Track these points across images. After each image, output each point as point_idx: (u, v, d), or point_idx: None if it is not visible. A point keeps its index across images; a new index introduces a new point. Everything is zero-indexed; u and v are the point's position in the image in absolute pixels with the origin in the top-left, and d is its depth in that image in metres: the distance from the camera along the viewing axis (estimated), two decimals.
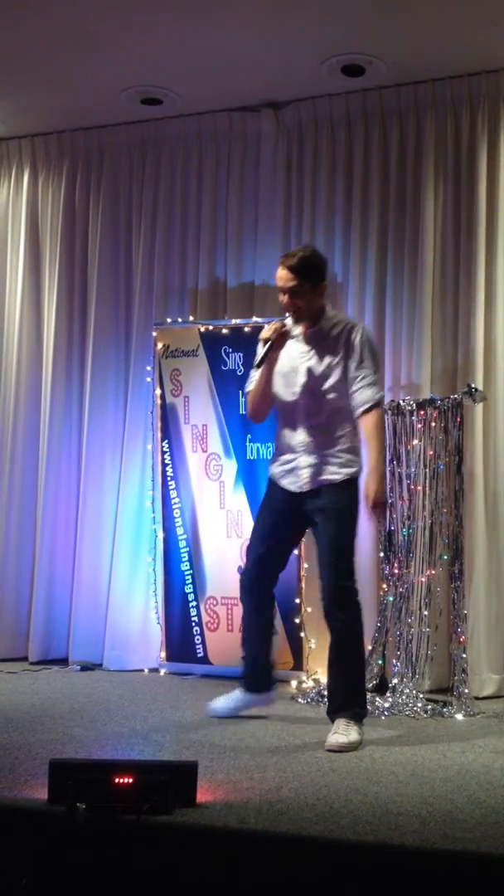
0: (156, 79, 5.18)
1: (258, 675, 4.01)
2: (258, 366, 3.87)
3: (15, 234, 5.95)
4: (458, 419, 4.60)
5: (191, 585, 5.14)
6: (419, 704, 4.33)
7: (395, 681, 4.49)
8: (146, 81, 5.21)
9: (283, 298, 3.83)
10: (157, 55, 4.90)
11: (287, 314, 3.86)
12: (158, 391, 5.26)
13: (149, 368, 5.38)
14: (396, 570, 4.59)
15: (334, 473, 3.81)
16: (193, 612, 5.11)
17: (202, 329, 5.21)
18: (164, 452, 5.23)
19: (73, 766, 2.81)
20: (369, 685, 4.51)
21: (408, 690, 4.43)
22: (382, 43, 4.75)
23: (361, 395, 3.79)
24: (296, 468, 3.87)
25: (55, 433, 5.65)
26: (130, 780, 2.67)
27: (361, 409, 3.80)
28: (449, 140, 5.07)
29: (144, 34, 4.71)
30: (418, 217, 5.08)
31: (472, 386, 4.59)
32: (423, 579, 4.56)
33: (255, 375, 3.95)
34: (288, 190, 5.41)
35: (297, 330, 3.91)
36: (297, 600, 4.89)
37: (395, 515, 4.64)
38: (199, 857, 2.57)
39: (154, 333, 5.33)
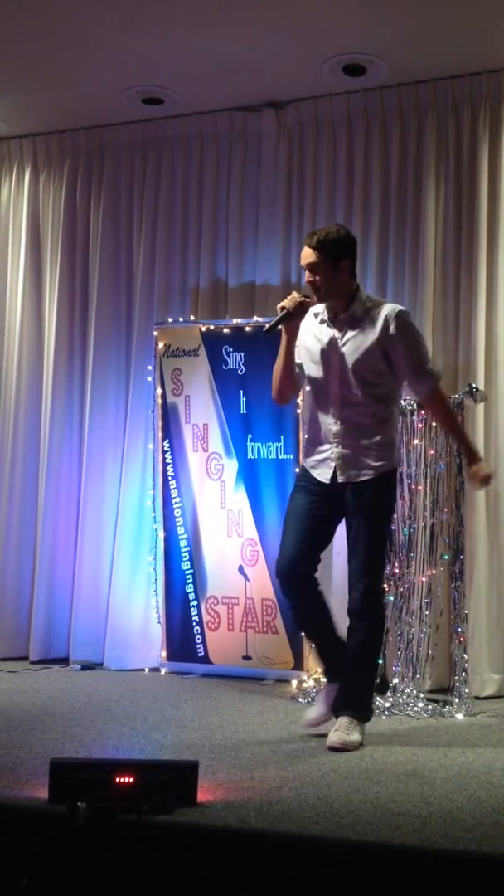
0: (157, 78, 5.18)
1: (339, 660, 3.78)
2: (267, 331, 3.74)
3: (16, 234, 5.95)
4: (459, 419, 4.58)
5: (191, 585, 5.14)
6: (420, 704, 4.33)
7: (395, 680, 4.49)
8: (147, 81, 5.21)
9: (307, 278, 3.72)
10: (158, 55, 4.90)
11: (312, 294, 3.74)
12: (159, 390, 5.26)
13: (150, 368, 5.38)
14: (397, 570, 4.59)
15: (368, 468, 3.66)
16: (194, 611, 5.11)
17: (203, 329, 5.21)
18: (164, 452, 5.23)
19: (74, 765, 2.81)
20: None
21: (408, 690, 4.43)
22: (384, 43, 4.75)
23: (425, 382, 3.70)
24: (327, 459, 3.71)
25: (56, 432, 5.65)
26: (131, 780, 2.67)
27: (425, 398, 3.75)
28: (450, 140, 5.07)
29: (145, 34, 4.71)
30: (419, 217, 5.08)
31: (473, 386, 4.58)
32: (424, 579, 4.56)
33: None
34: (289, 190, 5.41)
35: (327, 313, 3.75)
36: None
37: (395, 515, 4.64)
38: (200, 856, 2.57)
39: (155, 333, 5.33)
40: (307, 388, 3.85)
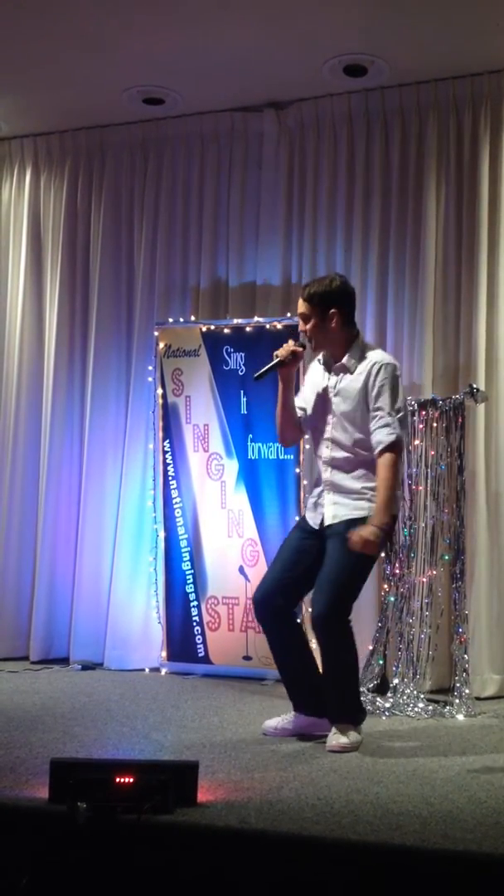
0: (158, 78, 5.18)
1: (305, 696, 3.78)
2: (256, 377, 3.84)
3: (16, 234, 5.95)
4: (460, 419, 4.59)
5: (192, 585, 5.14)
6: (420, 705, 4.33)
7: (396, 681, 4.49)
8: (148, 81, 5.21)
9: (300, 325, 3.85)
10: (159, 55, 4.90)
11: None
12: (160, 391, 5.26)
13: (150, 368, 5.38)
14: (398, 570, 4.59)
15: (357, 510, 3.68)
16: (194, 611, 5.11)
17: (204, 329, 5.21)
18: (165, 452, 5.23)
19: (74, 765, 2.81)
20: (370, 685, 4.51)
21: (409, 690, 4.43)
22: (384, 43, 4.75)
23: (376, 436, 3.66)
24: (318, 504, 3.79)
25: (57, 433, 5.65)
26: (131, 780, 2.67)
27: (377, 450, 3.65)
28: (451, 140, 5.07)
29: (146, 34, 4.71)
30: (420, 217, 5.08)
31: (474, 386, 4.59)
32: (425, 579, 4.56)
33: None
34: (290, 190, 5.41)
35: (328, 361, 3.85)
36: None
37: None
38: (200, 856, 2.57)
39: (156, 333, 5.33)
40: (307, 433, 3.95)
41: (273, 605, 3.77)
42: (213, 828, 2.60)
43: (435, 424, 4.61)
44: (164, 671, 5.16)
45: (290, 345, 3.79)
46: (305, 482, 4.98)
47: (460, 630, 4.48)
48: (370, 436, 3.68)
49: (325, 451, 3.78)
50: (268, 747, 3.58)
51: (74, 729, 3.79)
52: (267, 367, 3.80)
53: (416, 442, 4.61)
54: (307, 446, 4.99)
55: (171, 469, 5.22)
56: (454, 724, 4.13)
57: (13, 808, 2.75)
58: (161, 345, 5.27)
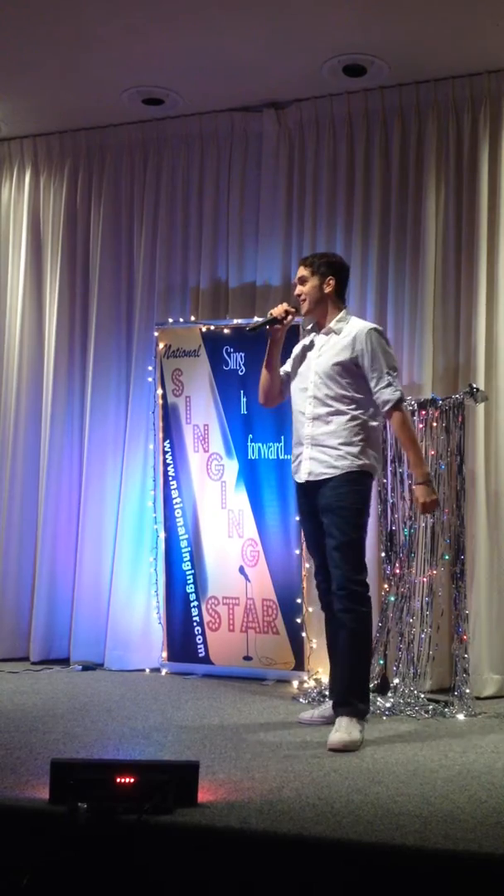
0: (157, 79, 5.18)
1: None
2: (250, 329, 4.12)
3: (16, 235, 5.96)
4: (460, 419, 4.60)
5: (192, 585, 5.14)
6: (420, 704, 4.33)
7: (396, 681, 4.49)
8: (147, 81, 5.21)
9: (296, 291, 4.06)
10: (159, 55, 4.91)
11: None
12: (160, 391, 5.26)
13: (150, 368, 5.38)
14: (398, 570, 4.59)
15: (331, 467, 3.85)
16: (195, 611, 5.11)
17: (204, 329, 5.21)
18: (165, 452, 5.23)
19: (75, 765, 2.81)
20: (371, 685, 4.51)
21: (409, 690, 4.43)
22: (384, 43, 4.75)
23: (381, 396, 3.86)
24: (301, 462, 3.96)
25: (57, 433, 5.65)
26: (132, 780, 2.67)
27: (385, 409, 3.88)
28: (451, 140, 5.07)
29: (146, 34, 4.71)
30: (420, 217, 5.08)
31: (474, 386, 4.59)
32: (425, 579, 4.57)
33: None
34: (289, 190, 5.41)
35: (315, 328, 4.07)
36: (299, 600, 4.89)
37: (396, 515, 4.65)
38: (200, 857, 2.57)
39: (155, 333, 5.33)
40: (290, 397, 4.13)
41: (328, 592, 3.94)
42: (213, 828, 2.60)
43: (435, 424, 4.61)
44: (164, 671, 5.16)
45: (284, 304, 4.04)
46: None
47: (460, 630, 4.48)
48: (364, 393, 3.88)
49: (310, 408, 3.94)
50: (268, 747, 3.58)
51: (75, 729, 3.79)
52: (261, 321, 4.08)
53: None
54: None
55: (171, 469, 5.22)
56: (454, 723, 4.13)
57: (13, 808, 2.75)
58: (161, 345, 5.27)
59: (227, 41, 4.76)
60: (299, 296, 4.03)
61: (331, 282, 3.99)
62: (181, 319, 5.36)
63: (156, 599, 5.24)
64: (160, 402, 5.26)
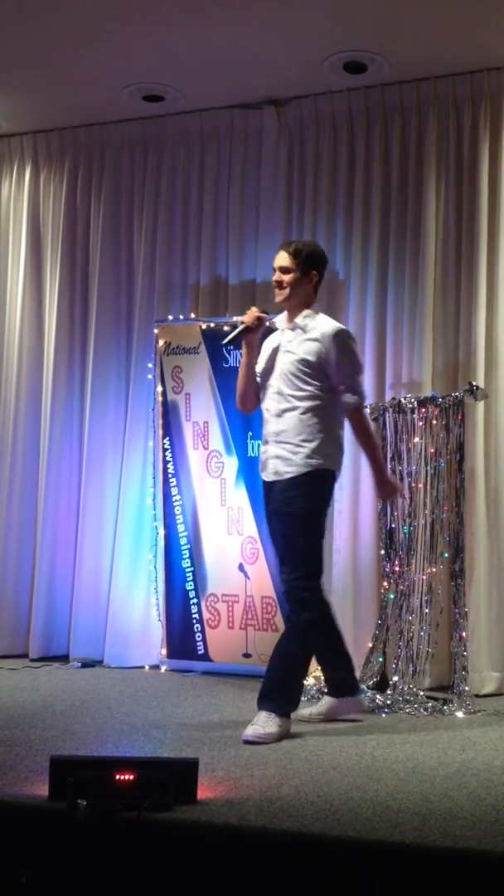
0: (157, 76, 5.18)
1: (330, 674, 4.05)
2: (226, 343, 4.07)
3: (16, 231, 5.95)
4: (460, 417, 4.59)
5: (192, 582, 5.14)
6: (419, 702, 4.33)
7: (395, 678, 4.49)
8: (148, 78, 5.20)
9: (274, 278, 3.96)
10: (159, 52, 4.90)
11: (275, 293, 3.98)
12: (160, 388, 5.26)
13: (150, 366, 5.38)
14: (397, 568, 4.59)
15: (291, 466, 3.82)
16: (194, 608, 5.12)
17: (204, 326, 5.21)
18: (165, 449, 5.23)
19: (74, 762, 2.81)
20: (370, 682, 4.52)
21: (408, 688, 4.44)
22: (384, 40, 4.75)
23: (343, 399, 3.87)
24: (266, 459, 3.93)
25: (56, 430, 5.65)
26: (131, 777, 2.67)
27: (346, 413, 3.90)
28: (451, 137, 5.07)
29: (146, 31, 4.70)
30: (420, 214, 5.08)
31: (474, 384, 4.59)
32: (424, 577, 4.56)
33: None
34: (289, 187, 5.41)
35: (283, 324, 4.01)
36: None
37: (396, 513, 4.65)
38: (200, 854, 2.57)
39: (155, 330, 5.33)
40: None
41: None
42: (212, 825, 2.60)
43: (434, 422, 4.61)
44: (163, 668, 5.16)
45: (254, 310, 3.98)
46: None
47: (460, 627, 4.48)
48: (326, 390, 3.84)
49: (274, 404, 3.90)
50: (267, 744, 3.58)
51: (74, 726, 3.80)
52: (235, 333, 4.01)
53: (416, 439, 4.61)
54: None
55: (170, 467, 5.22)
56: (453, 721, 4.14)
57: (13, 805, 2.75)
58: (161, 342, 5.27)
59: (227, 38, 4.76)
60: (279, 283, 3.92)
61: (314, 277, 3.93)
62: (181, 317, 5.36)
63: (155, 596, 5.25)
64: (160, 399, 5.26)
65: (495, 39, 4.71)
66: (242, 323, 3.97)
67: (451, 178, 5.06)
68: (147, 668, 5.23)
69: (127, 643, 5.33)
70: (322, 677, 4.86)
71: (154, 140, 5.67)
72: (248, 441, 5.07)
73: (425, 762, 3.37)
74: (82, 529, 5.54)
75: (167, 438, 5.23)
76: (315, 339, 3.85)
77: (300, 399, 3.84)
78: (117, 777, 2.66)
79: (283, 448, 3.84)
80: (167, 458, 5.23)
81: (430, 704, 4.31)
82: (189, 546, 5.16)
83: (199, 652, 5.10)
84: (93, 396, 5.58)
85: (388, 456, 4.68)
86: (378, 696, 4.37)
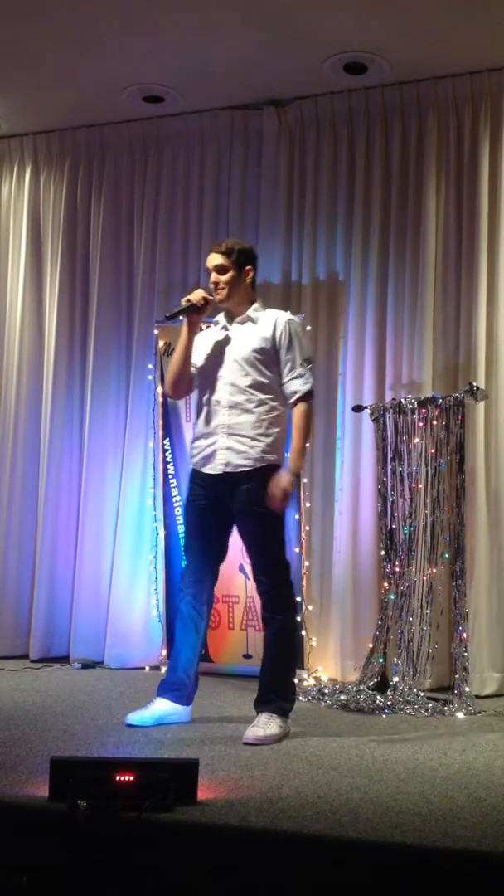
0: (157, 76, 5.18)
1: (192, 687, 3.97)
2: (168, 317, 3.96)
3: (16, 232, 5.96)
4: (460, 417, 4.59)
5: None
6: (420, 703, 4.33)
7: (395, 679, 4.49)
8: (148, 79, 5.21)
9: (212, 278, 3.93)
10: (159, 53, 4.90)
11: (215, 294, 3.94)
12: (160, 389, 5.26)
13: (150, 366, 5.38)
14: (398, 569, 4.59)
15: (249, 458, 3.78)
16: None
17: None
18: (165, 450, 5.23)
19: (74, 763, 2.81)
20: (370, 683, 4.52)
21: (409, 689, 4.43)
22: (385, 41, 4.75)
23: (290, 387, 3.84)
24: (215, 451, 3.83)
25: (56, 431, 5.65)
26: (131, 778, 2.66)
27: (292, 400, 3.84)
28: (451, 138, 5.07)
29: (146, 32, 4.71)
30: (420, 215, 5.08)
31: (474, 384, 4.59)
32: (425, 578, 4.56)
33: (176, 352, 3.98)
34: (290, 188, 5.41)
35: (226, 320, 3.98)
36: (298, 598, 4.87)
37: (396, 513, 4.64)
38: (200, 855, 2.57)
39: (156, 331, 5.33)
40: (198, 387, 4.00)
41: (202, 591, 3.93)
42: (213, 826, 2.60)
43: (435, 422, 4.60)
44: (164, 669, 5.14)
45: (200, 291, 3.94)
46: (305, 480, 4.98)
47: (460, 628, 4.48)
48: (278, 381, 3.85)
49: (225, 396, 3.84)
50: (267, 745, 3.58)
51: (74, 727, 3.79)
52: (180, 309, 3.92)
53: (416, 440, 4.61)
54: (307, 444, 4.99)
55: (171, 467, 5.22)
56: (454, 721, 4.13)
57: (13, 806, 2.75)
58: (161, 343, 5.27)
59: (227, 39, 4.76)
60: (217, 283, 3.90)
61: (249, 272, 3.94)
62: (181, 318, 5.35)
63: (155, 597, 5.24)
64: (160, 399, 5.26)
65: (495, 40, 4.71)
66: (189, 301, 3.90)
67: (452, 179, 5.07)
68: (147, 668, 5.23)
69: (127, 644, 5.33)
70: (322, 678, 4.88)
71: (154, 141, 5.67)
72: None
73: (426, 763, 3.37)
74: (83, 530, 5.54)
75: (167, 439, 5.23)
76: (269, 327, 3.87)
77: (257, 390, 3.82)
78: (118, 778, 2.66)
79: (237, 440, 3.79)
80: (167, 459, 5.23)
81: (430, 705, 4.31)
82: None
83: (200, 653, 5.09)
84: (93, 397, 5.58)
85: (389, 456, 4.68)
86: (378, 697, 4.37)
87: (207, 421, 3.87)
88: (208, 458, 3.85)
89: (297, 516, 4.90)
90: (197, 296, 3.90)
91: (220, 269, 3.90)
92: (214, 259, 3.91)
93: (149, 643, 5.28)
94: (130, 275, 5.72)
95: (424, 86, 5.12)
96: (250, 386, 3.82)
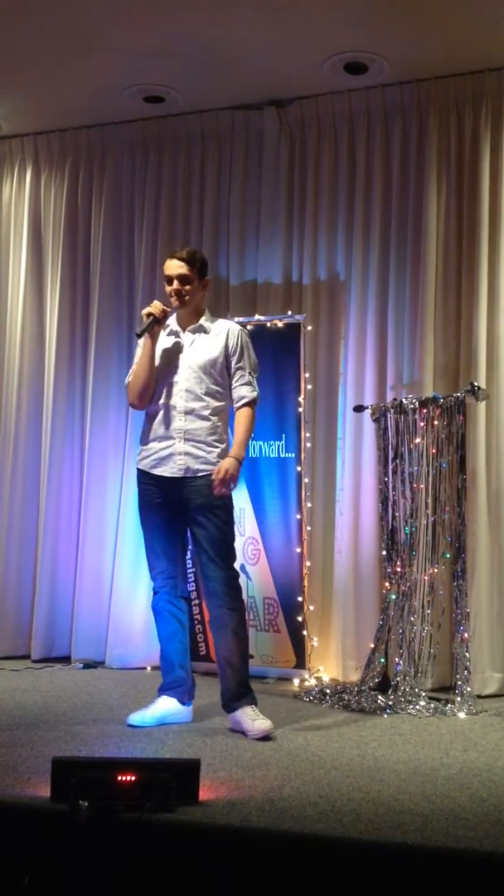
0: (158, 77, 5.18)
1: (191, 685, 4.06)
2: (139, 334, 4.02)
3: (17, 233, 5.95)
4: (461, 417, 4.59)
5: (193, 584, 5.13)
6: (421, 703, 4.33)
7: (397, 679, 4.49)
8: (148, 79, 5.21)
9: (172, 285, 4.01)
10: (160, 53, 4.90)
11: (172, 301, 4.02)
12: None
13: None
14: (399, 569, 4.59)
15: (207, 463, 3.91)
16: (196, 610, 5.11)
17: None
18: None
19: (76, 763, 2.81)
20: (372, 683, 4.52)
21: (410, 689, 4.43)
22: (385, 41, 4.75)
23: (238, 392, 4.01)
24: (171, 455, 3.95)
25: (58, 432, 5.65)
26: (133, 778, 2.67)
27: (238, 404, 4.01)
28: (451, 138, 5.07)
29: (147, 32, 4.70)
30: (421, 215, 5.07)
31: (475, 384, 4.58)
32: (426, 577, 4.56)
33: (137, 355, 4.05)
34: (290, 188, 5.41)
35: (177, 326, 4.07)
36: (300, 598, 4.89)
37: (397, 513, 4.64)
38: (202, 854, 2.57)
39: None
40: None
41: (174, 595, 4.08)
42: (214, 826, 2.60)
43: (436, 422, 4.60)
44: None
45: (158, 303, 4.01)
46: (307, 480, 4.98)
47: (461, 628, 4.48)
48: (228, 389, 4.02)
49: (181, 402, 3.96)
50: (269, 745, 3.58)
51: (76, 727, 3.80)
52: (146, 325, 3.99)
53: (418, 440, 4.61)
54: (308, 445, 5.00)
55: None
56: (455, 721, 4.14)
57: (15, 806, 2.75)
58: None
59: (228, 39, 4.76)
60: (179, 292, 3.98)
61: (206, 283, 4.10)
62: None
63: None
64: None
65: (496, 40, 4.71)
66: (150, 315, 3.98)
67: (453, 179, 5.06)
68: (149, 669, 5.22)
69: (129, 644, 5.33)
70: (324, 678, 4.88)
71: (155, 141, 5.67)
72: (250, 442, 5.05)
73: (427, 763, 3.37)
74: (84, 531, 5.54)
75: None
76: (220, 336, 4.02)
77: (210, 397, 3.96)
78: (119, 778, 2.67)
79: (194, 446, 3.93)
80: None
81: (432, 705, 4.31)
82: (190, 547, 5.14)
83: (201, 653, 5.09)
84: (94, 397, 5.58)
85: (390, 456, 4.68)
86: (380, 697, 4.37)
87: (163, 425, 3.98)
88: (163, 461, 3.96)
89: (298, 516, 4.90)
90: (157, 308, 3.98)
91: (183, 279, 3.99)
92: (177, 267, 4.00)
93: (150, 643, 5.26)
94: (131, 275, 5.72)
95: (425, 85, 5.12)
96: (206, 393, 3.97)
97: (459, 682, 4.41)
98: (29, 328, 5.83)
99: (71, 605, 5.55)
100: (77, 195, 5.82)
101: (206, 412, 3.95)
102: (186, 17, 4.56)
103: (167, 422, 3.97)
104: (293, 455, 4.94)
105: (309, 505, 5.06)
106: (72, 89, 5.34)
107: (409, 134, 5.17)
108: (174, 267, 4.00)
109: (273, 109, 5.42)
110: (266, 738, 3.68)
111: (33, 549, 5.67)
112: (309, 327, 5.12)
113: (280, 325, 4.99)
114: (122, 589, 5.38)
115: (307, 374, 5.01)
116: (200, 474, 3.91)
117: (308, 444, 5.05)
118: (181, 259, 4.00)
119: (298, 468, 4.92)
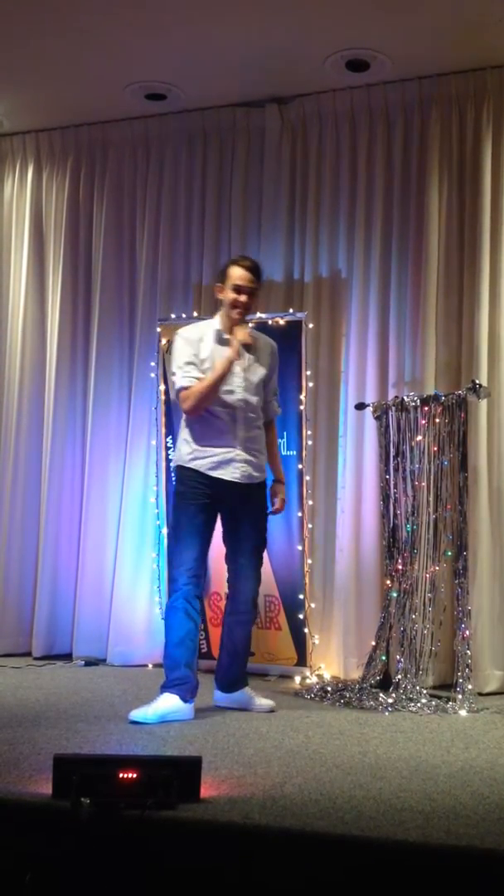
0: (160, 74, 5.18)
1: (195, 683, 4.07)
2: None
3: (19, 230, 5.96)
4: (463, 415, 4.59)
5: None
6: (423, 700, 4.33)
7: (398, 677, 4.48)
8: (150, 77, 5.21)
9: (240, 296, 4.00)
10: (161, 50, 4.90)
11: (233, 312, 4.03)
12: (162, 387, 5.26)
13: (153, 364, 5.38)
14: (400, 566, 4.58)
15: (261, 471, 4.12)
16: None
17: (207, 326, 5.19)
18: (167, 448, 5.23)
19: (78, 761, 2.81)
20: (373, 681, 4.52)
21: (411, 686, 4.43)
22: (387, 38, 4.74)
23: (274, 406, 4.25)
24: (232, 461, 4.02)
25: (59, 429, 5.65)
26: (134, 775, 2.67)
27: (271, 417, 4.25)
28: (453, 135, 5.07)
29: (148, 30, 4.70)
30: (422, 212, 5.07)
31: (477, 382, 4.58)
32: (427, 575, 4.56)
33: (220, 367, 3.97)
34: (292, 185, 5.41)
35: (226, 334, 4.06)
36: (301, 596, 4.89)
37: (399, 511, 4.64)
38: (203, 852, 2.57)
39: (158, 329, 5.33)
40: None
41: (198, 590, 4.08)
42: (216, 823, 2.60)
43: (437, 420, 4.60)
44: None
45: (243, 335, 4.02)
46: (308, 478, 4.98)
47: (463, 626, 4.48)
48: (266, 404, 4.19)
49: (241, 413, 4.05)
50: (271, 743, 3.59)
51: (77, 725, 3.80)
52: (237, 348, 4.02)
53: (419, 438, 4.61)
54: (309, 442, 5.00)
55: (173, 465, 5.21)
56: (457, 719, 4.14)
57: (16, 804, 2.75)
58: (164, 341, 5.26)
59: (229, 36, 4.76)
60: (248, 306, 4.04)
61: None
62: (184, 315, 5.36)
63: (158, 595, 5.25)
64: (163, 397, 5.26)
65: (497, 37, 4.71)
66: (243, 341, 4.01)
67: (454, 176, 5.06)
68: (150, 666, 5.23)
69: (130, 641, 5.34)
70: (325, 675, 4.88)
71: (156, 138, 5.67)
72: None
73: (429, 760, 3.37)
74: (85, 528, 5.55)
75: (170, 437, 5.23)
76: (265, 352, 4.15)
77: (261, 410, 4.14)
78: (121, 775, 2.66)
79: (254, 455, 4.07)
80: (170, 457, 5.22)
81: (433, 703, 4.31)
82: None
83: (203, 650, 5.08)
84: (95, 395, 5.59)
85: (392, 454, 4.67)
86: (381, 695, 4.37)
87: (223, 431, 4.02)
88: (221, 465, 4.02)
89: (299, 514, 4.90)
90: (245, 335, 4.02)
91: (252, 293, 4.04)
92: (251, 281, 4.03)
93: (152, 640, 5.28)
94: (133, 272, 5.72)
95: (427, 83, 5.11)
96: (259, 406, 4.12)
97: (461, 680, 4.41)
98: (30, 326, 5.83)
99: (72, 603, 5.55)
100: (78, 192, 5.82)
101: (259, 423, 4.12)
102: (188, 15, 4.56)
103: (227, 429, 4.03)
104: (294, 453, 4.94)
105: (310, 503, 5.06)
106: (73, 86, 5.34)
107: (411, 131, 5.17)
108: (247, 280, 4.02)
109: (275, 107, 5.42)
110: (271, 711, 4.09)
111: (35, 547, 5.68)
112: (310, 325, 5.12)
113: (281, 322, 4.99)
114: (124, 586, 5.39)
115: (308, 372, 5.01)
116: (256, 481, 4.07)
117: (309, 442, 5.05)
118: (253, 272, 4.03)
119: (300, 466, 4.93)
